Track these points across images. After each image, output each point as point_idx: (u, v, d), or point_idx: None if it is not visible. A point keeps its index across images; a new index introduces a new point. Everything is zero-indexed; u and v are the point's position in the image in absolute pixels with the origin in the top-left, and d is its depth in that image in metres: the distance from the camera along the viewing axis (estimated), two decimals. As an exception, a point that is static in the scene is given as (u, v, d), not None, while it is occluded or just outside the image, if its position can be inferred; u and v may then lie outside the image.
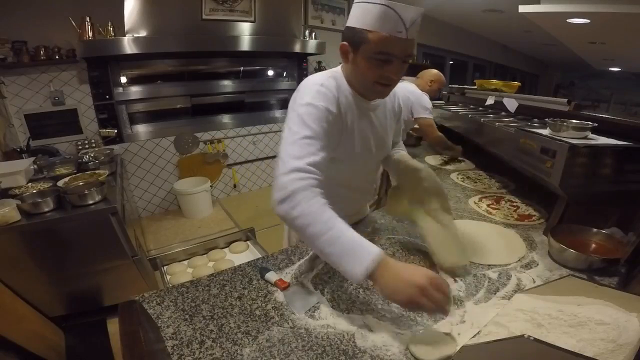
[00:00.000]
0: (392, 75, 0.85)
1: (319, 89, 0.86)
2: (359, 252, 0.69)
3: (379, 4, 0.76)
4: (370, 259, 0.67)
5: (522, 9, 3.54)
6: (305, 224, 0.72)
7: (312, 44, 3.64)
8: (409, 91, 2.24)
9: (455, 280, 0.94)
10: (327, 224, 0.71)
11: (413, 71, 2.22)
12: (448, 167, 2.08)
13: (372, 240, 1.11)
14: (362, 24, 0.79)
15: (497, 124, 1.64)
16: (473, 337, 0.68)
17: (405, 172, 1.09)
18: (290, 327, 0.78)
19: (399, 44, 0.79)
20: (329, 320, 0.80)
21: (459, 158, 2.25)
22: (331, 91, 0.88)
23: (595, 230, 1.07)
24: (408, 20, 0.77)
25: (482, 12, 4.63)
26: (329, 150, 0.84)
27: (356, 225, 1.28)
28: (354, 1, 0.83)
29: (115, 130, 2.93)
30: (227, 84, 3.63)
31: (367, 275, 0.67)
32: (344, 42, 0.86)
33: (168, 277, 1.38)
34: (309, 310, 0.83)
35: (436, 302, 0.64)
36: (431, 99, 2.35)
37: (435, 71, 2.40)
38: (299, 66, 3.95)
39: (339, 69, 0.96)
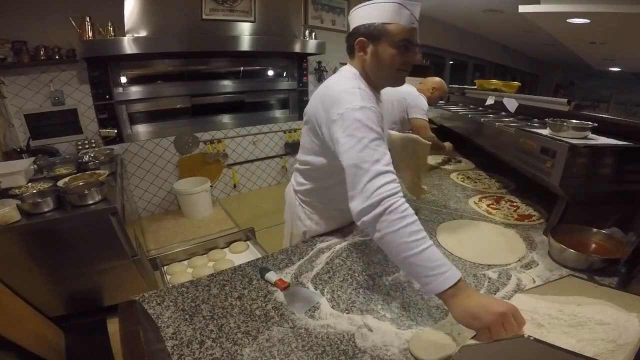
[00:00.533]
0: (412, 60, 0.95)
1: (361, 92, 0.89)
2: (441, 270, 0.70)
3: (394, 2, 0.87)
4: (452, 279, 0.69)
5: (522, 9, 3.54)
6: (390, 232, 0.73)
7: (312, 44, 3.63)
8: (405, 92, 2.23)
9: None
10: (414, 235, 0.72)
11: (414, 70, 2.23)
12: (448, 167, 2.09)
13: (372, 239, 1.12)
14: (380, 19, 0.89)
15: (497, 124, 1.64)
16: (473, 337, 0.68)
17: (411, 144, 1.27)
18: (290, 327, 0.78)
19: (414, 34, 0.91)
20: (329, 320, 0.80)
21: (459, 158, 2.25)
22: (368, 92, 0.92)
23: (595, 230, 1.07)
24: (417, 13, 0.90)
25: (482, 12, 4.63)
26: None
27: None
28: (365, 4, 0.92)
29: (115, 130, 2.92)
30: (227, 84, 3.63)
31: (444, 292, 0.69)
32: (361, 38, 0.93)
33: (168, 277, 1.38)
34: (309, 310, 0.83)
35: (511, 333, 0.62)
36: (430, 105, 2.36)
37: (438, 79, 2.41)
38: (299, 66, 3.94)
39: (351, 69, 0.99)
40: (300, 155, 1.13)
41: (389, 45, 0.90)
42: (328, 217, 1.19)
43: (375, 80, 0.98)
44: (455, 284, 0.68)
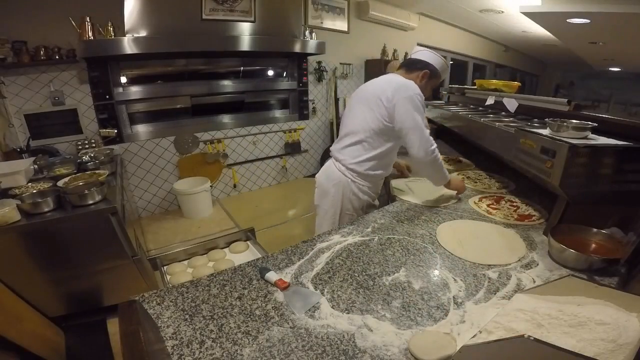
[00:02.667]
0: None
1: (415, 85, 1.44)
2: (445, 176, 1.49)
3: (448, 67, 1.61)
4: (447, 178, 1.50)
5: (522, 9, 3.54)
6: (439, 162, 1.44)
7: (312, 44, 3.63)
8: None
9: (455, 280, 0.94)
10: (441, 167, 1.47)
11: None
12: (448, 167, 2.09)
13: (371, 239, 1.11)
14: (440, 68, 1.53)
15: (497, 124, 1.64)
16: (473, 337, 0.68)
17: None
18: (290, 327, 0.78)
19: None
20: (329, 320, 0.80)
21: (459, 158, 2.25)
22: None
23: (595, 230, 1.07)
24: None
25: (481, 12, 4.63)
26: None
27: (357, 224, 1.29)
28: (436, 53, 1.53)
29: (115, 130, 2.92)
30: (227, 84, 3.63)
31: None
32: (427, 71, 1.51)
33: (168, 277, 1.38)
34: (309, 310, 0.83)
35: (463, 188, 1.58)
36: None
37: None
38: (299, 66, 3.94)
39: (399, 76, 1.53)
40: (360, 130, 1.48)
41: (433, 83, 1.55)
42: (376, 184, 1.61)
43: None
44: (449, 180, 1.51)
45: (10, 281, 1.57)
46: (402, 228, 1.26)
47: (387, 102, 1.40)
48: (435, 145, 1.40)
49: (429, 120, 2.92)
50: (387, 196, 2.06)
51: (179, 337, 0.75)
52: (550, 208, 1.28)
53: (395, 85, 1.40)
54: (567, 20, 3.60)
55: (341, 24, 4.19)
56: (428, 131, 1.39)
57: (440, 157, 1.43)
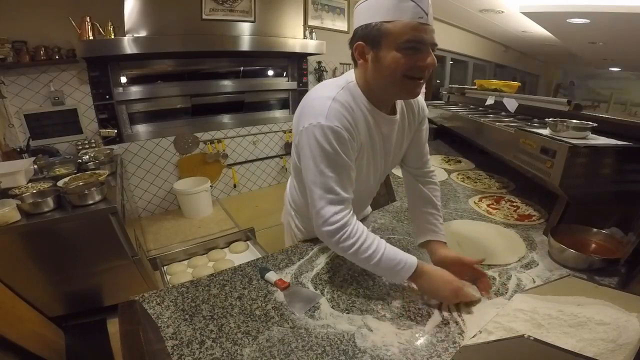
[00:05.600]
0: (425, 65, 0.73)
1: (333, 106, 0.77)
2: (398, 268, 0.80)
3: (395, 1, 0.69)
4: (409, 270, 0.80)
5: (523, 8, 3.54)
6: (349, 254, 0.81)
7: (312, 44, 3.63)
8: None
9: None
10: (367, 252, 0.79)
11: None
12: (448, 167, 2.09)
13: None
14: (378, 17, 0.71)
15: (497, 124, 1.64)
16: (473, 337, 0.69)
17: None
18: (290, 327, 0.78)
19: (423, 31, 0.71)
20: (329, 320, 0.80)
21: (459, 158, 2.25)
22: (345, 106, 0.78)
23: (595, 230, 1.07)
24: (425, 5, 0.71)
25: (481, 12, 4.63)
26: (353, 166, 0.83)
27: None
28: (358, 3, 0.77)
29: (115, 130, 2.92)
30: (227, 84, 3.63)
31: (409, 279, 0.82)
32: (359, 42, 0.76)
33: (168, 277, 1.38)
34: (309, 310, 0.83)
35: (467, 296, 0.82)
36: None
37: None
38: (299, 66, 3.94)
39: (351, 76, 0.85)
40: (293, 158, 0.99)
41: (391, 49, 0.72)
42: (309, 223, 1.03)
43: (379, 92, 0.82)
44: (415, 271, 0.80)
45: (10, 281, 1.57)
46: (402, 228, 1.26)
47: (295, 134, 0.87)
48: (341, 223, 0.79)
49: (430, 121, 2.89)
50: (387, 196, 2.06)
51: (179, 337, 0.75)
52: (550, 208, 1.28)
53: (300, 110, 0.85)
54: (567, 20, 3.61)
55: (341, 24, 4.19)
56: (331, 196, 0.79)
57: (364, 244, 0.79)
